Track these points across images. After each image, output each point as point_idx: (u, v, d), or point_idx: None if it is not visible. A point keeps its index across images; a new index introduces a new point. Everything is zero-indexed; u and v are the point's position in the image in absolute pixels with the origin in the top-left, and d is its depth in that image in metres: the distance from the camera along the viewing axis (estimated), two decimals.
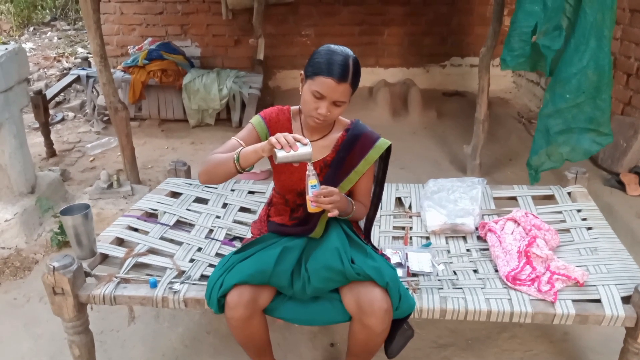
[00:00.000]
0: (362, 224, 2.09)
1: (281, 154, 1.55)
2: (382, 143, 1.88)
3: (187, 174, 2.82)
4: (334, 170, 1.86)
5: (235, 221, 2.43)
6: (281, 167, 1.89)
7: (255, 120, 1.87)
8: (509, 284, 1.93)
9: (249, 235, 2.26)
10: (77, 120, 5.44)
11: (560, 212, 2.42)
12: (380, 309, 1.68)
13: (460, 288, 1.94)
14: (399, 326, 1.82)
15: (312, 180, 1.66)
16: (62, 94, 5.39)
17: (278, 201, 2.00)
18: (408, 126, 5.16)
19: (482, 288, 1.93)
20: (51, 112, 5.33)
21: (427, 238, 2.33)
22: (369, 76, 5.74)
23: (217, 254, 2.17)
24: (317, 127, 1.83)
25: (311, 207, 1.67)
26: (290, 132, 1.88)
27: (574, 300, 1.85)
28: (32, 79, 5.94)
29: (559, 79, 3.08)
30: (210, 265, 2.07)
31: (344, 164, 1.86)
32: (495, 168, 4.20)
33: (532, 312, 1.81)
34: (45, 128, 4.44)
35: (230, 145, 1.78)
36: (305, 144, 1.58)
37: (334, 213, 1.69)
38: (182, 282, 1.93)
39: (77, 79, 5.19)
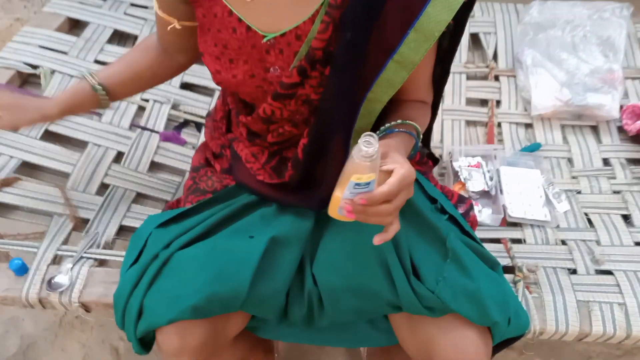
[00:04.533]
0: None
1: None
2: None
3: None
4: (342, 69, 0.71)
5: (186, 85, 1.36)
6: (204, 24, 0.78)
7: None
8: None
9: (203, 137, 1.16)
10: None
11: None
12: None
13: (610, 273, 1.02)
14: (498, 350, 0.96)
15: (362, 174, 0.61)
16: None
17: (239, 109, 0.91)
18: None
19: None
20: None
21: (529, 126, 1.32)
22: None
23: (152, 164, 1.19)
24: None
25: (337, 214, 0.66)
26: None
27: None
28: None
29: None
30: (140, 196, 1.11)
31: (363, 50, 0.71)
32: None
33: None
34: None
35: None
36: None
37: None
38: (76, 261, 0.99)
39: None
